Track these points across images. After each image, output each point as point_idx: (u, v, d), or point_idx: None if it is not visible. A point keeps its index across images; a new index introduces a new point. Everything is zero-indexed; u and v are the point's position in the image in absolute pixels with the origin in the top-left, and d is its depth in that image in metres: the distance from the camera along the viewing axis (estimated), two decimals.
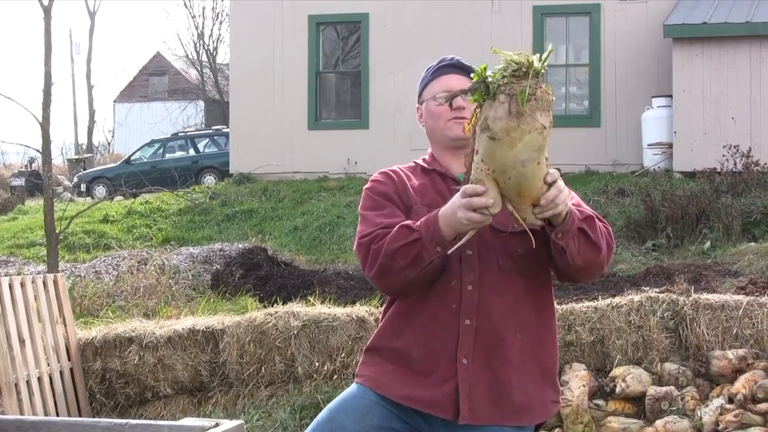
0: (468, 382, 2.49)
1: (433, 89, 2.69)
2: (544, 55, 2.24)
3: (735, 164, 11.73)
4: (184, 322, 6.09)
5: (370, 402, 2.55)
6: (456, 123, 2.61)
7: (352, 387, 2.64)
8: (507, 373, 2.51)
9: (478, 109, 2.27)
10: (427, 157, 2.73)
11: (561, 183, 2.31)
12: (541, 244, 2.44)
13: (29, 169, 24.42)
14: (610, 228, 2.57)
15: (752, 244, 9.17)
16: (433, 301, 2.53)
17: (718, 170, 11.70)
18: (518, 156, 2.20)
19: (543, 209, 2.29)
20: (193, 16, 37.93)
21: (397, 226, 2.47)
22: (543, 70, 2.22)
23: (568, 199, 2.35)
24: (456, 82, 2.65)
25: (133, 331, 5.99)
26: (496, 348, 2.51)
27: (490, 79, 2.23)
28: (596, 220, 2.50)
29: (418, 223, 2.45)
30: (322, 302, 6.37)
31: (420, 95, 2.75)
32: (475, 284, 2.51)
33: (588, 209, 2.52)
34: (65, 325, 5.91)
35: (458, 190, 2.39)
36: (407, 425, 2.55)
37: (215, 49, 33.64)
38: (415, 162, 2.73)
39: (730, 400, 5.02)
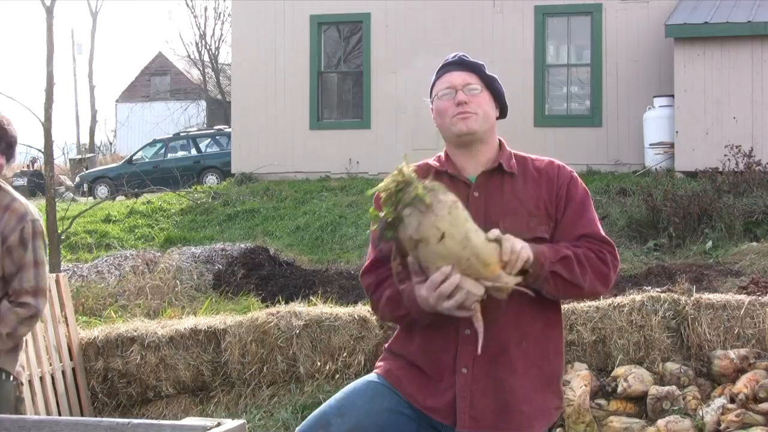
0: (468, 391, 2.51)
1: (437, 88, 2.71)
2: (410, 164, 2.36)
3: (737, 164, 11.72)
4: (186, 322, 6.09)
5: (383, 387, 2.60)
6: (460, 119, 2.62)
7: (368, 375, 2.70)
8: (512, 383, 2.52)
9: (396, 244, 2.38)
10: (442, 156, 2.73)
11: (501, 234, 2.36)
12: None
13: (31, 169, 24.43)
14: (608, 257, 2.56)
15: (754, 243, 9.16)
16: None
17: (720, 170, 11.68)
18: (456, 236, 2.27)
19: (512, 264, 2.36)
20: (195, 16, 37.87)
21: (384, 297, 2.57)
22: (413, 174, 2.32)
23: (525, 244, 2.40)
24: (457, 78, 2.68)
25: (135, 331, 5.99)
26: (500, 357, 2.52)
27: (385, 214, 2.32)
28: (574, 259, 2.49)
29: (404, 297, 2.49)
30: (324, 302, 6.38)
31: (430, 96, 2.76)
32: None
33: (589, 246, 2.55)
34: (67, 325, 5.92)
35: (471, 194, 2.55)
36: (417, 412, 2.57)
37: (217, 49, 33.68)
38: (427, 162, 2.73)
39: (732, 400, 5.02)
